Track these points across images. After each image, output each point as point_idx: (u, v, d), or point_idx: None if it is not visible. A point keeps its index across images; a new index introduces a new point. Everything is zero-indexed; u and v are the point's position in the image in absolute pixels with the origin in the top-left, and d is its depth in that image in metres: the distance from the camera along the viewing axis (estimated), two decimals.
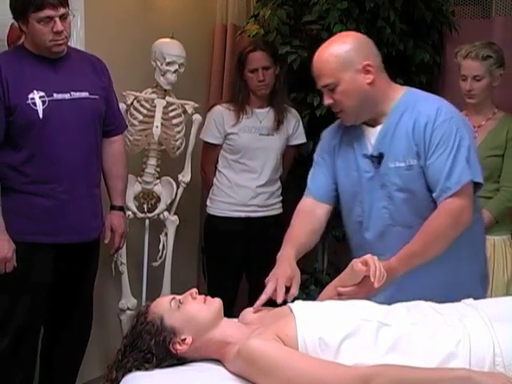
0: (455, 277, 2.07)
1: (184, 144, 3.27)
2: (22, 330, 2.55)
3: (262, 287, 2.10)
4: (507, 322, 1.70)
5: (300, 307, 1.78)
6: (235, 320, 1.93)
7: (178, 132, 3.21)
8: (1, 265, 2.44)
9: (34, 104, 2.46)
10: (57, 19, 2.40)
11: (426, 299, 1.83)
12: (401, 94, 2.10)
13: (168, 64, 3.13)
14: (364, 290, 1.88)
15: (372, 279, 1.80)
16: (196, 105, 3.26)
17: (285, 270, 2.01)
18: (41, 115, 2.46)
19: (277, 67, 3.24)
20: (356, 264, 1.85)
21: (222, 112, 3.24)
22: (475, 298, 1.87)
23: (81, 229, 2.62)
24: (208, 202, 3.32)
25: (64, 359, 2.79)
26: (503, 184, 2.86)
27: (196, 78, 3.36)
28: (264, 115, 3.25)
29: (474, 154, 2.02)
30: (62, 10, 2.41)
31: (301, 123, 3.34)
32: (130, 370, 1.70)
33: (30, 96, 2.45)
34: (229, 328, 1.78)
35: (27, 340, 2.59)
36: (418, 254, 1.97)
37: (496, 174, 2.86)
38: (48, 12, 2.38)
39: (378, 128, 2.08)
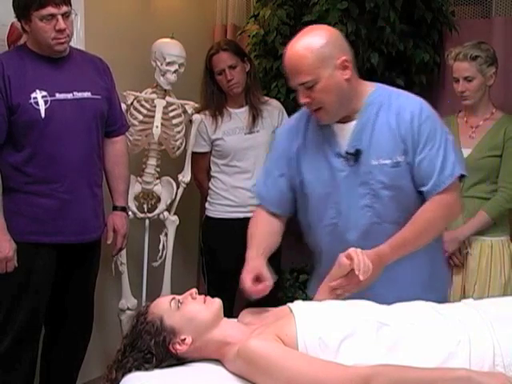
0: (430, 279, 2.07)
1: (184, 144, 3.27)
2: (23, 330, 2.55)
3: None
4: (507, 322, 1.70)
5: (300, 307, 1.78)
6: (235, 320, 1.93)
7: (178, 132, 3.21)
8: (2, 265, 2.45)
9: (37, 103, 2.46)
10: (59, 17, 2.41)
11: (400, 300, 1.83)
12: (372, 89, 2.04)
13: (168, 64, 3.13)
14: (353, 282, 1.84)
15: (357, 272, 1.79)
16: (196, 105, 3.27)
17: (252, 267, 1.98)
18: (43, 115, 2.46)
19: (246, 64, 3.24)
20: (341, 259, 1.85)
21: (202, 120, 3.25)
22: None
23: (82, 229, 2.62)
24: (207, 205, 3.33)
25: (64, 359, 2.79)
26: (501, 185, 2.85)
27: (196, 78, 3.36)
28: (244, 114, 3.26)
29: (455, 147, 2.04)
30: (64, 8, 2.41)
31: (284, 112, 3.33)
32: (129, 370, 1.70)
33: (33, 95, 2.45)
34: (229, 328, 1.78)
35: (28, 340, 2.59)
36: (410, 242, 1.94)
37: (494, 174, 2.85)
38: (50, 10, 2.38)
39: (351, 124, 2.01)
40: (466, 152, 2.89)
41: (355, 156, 1.99)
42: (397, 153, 1.98)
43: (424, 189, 1.98)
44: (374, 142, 1.99)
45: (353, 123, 2.01)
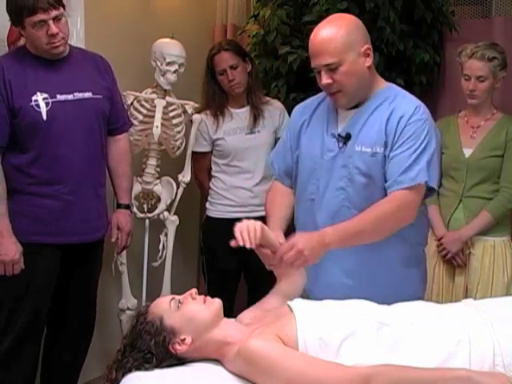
0: (394, 278, 2.11)
1: (184, 144, 3.27)
2: (25, 330, 2.55)
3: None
4: (507, 322, 1.70)
5: (300, 306, 1.78)
6: (233, 320, 1.93)
7: (178, 132, 3.21)
8: (8, 267, 2.45)
9: (38, 106, 2.46)
10: (50, 22, 2.40)
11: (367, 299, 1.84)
12: (383, 85, 2.15)
13: (168, 64, 3.13)
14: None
15: (241, 243, 1.83)
16: (196, 105, 3.26)
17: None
18: (44, 117, 2.46)
19: (247, 64, 3.24)
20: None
21: (203, 119, 3.25)
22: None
23: (86, 229, 2.62)
24: (207, 205, 3.33)
25: (66, 359, 2.79)
26: (503, 185, 2.85)
27: (196, 78, 3.35)
28: (245, 114, 3.26)
29: (436, 160, 2.06)
30: (54, 13, 2.40)
31: (285, 113, 3.31)
32: (129, 370, 1.70)
33: (34, 98, 2.45)
34: (228, 328, 1.78)
35: (30, 340, 2.59)
36: (351, 229, 1.97)
37: (495, 174, 2.86)
38: (40, 16, 2.38)
39: (353, 111, 2.11)
40: (468, 152, 2.89)
41: (345, 139, 2.09)
42: (378, 144, 2.05)
43: (386, 184, 2.04)
44: (364, 130, 2.08)
45: (355, 110, 2.11)
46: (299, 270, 2.01)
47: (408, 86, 3.38)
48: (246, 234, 1.84)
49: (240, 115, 3.26)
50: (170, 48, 3.16)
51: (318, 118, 2.19)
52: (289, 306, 1.79)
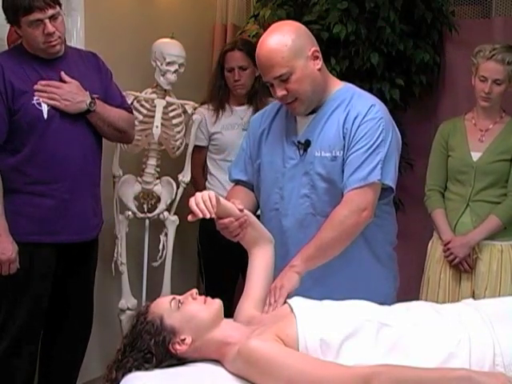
0: (362, 280, 2.09)
1: (184, 144, 3.27)
2: (23, 330, 2.56)
3: None
4: (507, 321, 1.70)
5: (300, 306, 1.77)
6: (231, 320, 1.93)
7: (178, 132, 3.21)
8: (5, 267, 2.45)
9: (40, 104, 2.47)
10: (46, 21, 2.40)
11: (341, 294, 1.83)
12: (339, 87, 2.11)
13: (168, 64, 3.13)
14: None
15: (200, 215, 1.79)
16: (196, 105, 3.27)
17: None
18: (45, 115, 2.47)
19: (256, 69, 3.23)
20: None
21: (203, 113, 3.26)
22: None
23: (82, 228, 2.63)
24: None
25: (64, 359, 2.79)
26: (511, 189, 2.83)
27: (196, 78, 3.36)
28: (244, 112, 3.27)
29: (392, 159, 2.03)
30: (50, 12, 2.40)
31: None
32: (129, 370, 1.69)
33: (36, 97, 2.47)
34: (229, 328, 1.77)
35: (28, 340, 2.59)
36: (313, 242, 1.95)
37: (503, 178, 2.83)
38: (36, 15, 2.38)
39: (311, 117, 2.09)
40: (476, 156, 2.86)
41: (305, 146, 2.07)
42: (337, 148, 2.03)
43: (341, 185, 2.02)
44: (322, 135, 2.06)
45: (313, 115, 2.09)
46: (266, 236, 2.01)
47: (408, 86, 3.39)
48: (202, 205, 1.80)
49: (239, 112, 3.27)
50: (170, 48, 3.17)
51: (277, 126, 2.16)
52: (289, 306, 1.79)
